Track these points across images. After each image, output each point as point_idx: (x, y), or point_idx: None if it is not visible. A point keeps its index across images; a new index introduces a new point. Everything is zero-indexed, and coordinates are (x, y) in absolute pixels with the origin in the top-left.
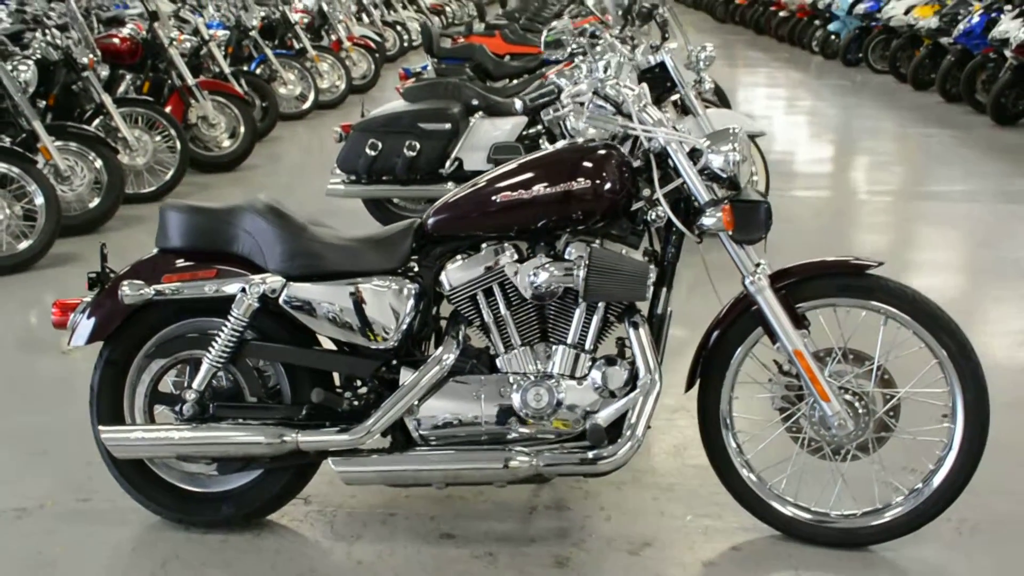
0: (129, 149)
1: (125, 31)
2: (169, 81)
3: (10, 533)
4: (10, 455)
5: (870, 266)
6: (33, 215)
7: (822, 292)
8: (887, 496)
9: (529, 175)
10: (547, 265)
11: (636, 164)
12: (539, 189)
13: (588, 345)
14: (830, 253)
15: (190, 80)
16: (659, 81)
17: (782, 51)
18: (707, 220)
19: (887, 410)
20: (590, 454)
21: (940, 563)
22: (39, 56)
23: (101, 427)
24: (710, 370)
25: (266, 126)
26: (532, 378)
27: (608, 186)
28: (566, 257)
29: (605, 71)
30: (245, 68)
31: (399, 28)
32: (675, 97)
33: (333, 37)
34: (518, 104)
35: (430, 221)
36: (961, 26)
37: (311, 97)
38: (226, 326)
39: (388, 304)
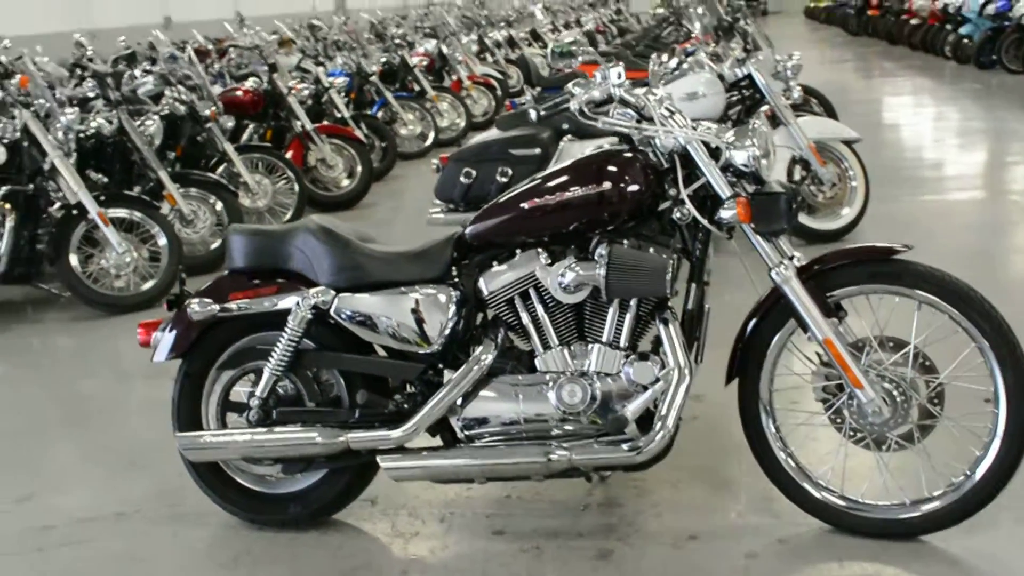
0: (250, 193)
1: (248, 84)
2: (290, 128)
3: (108, 533)
4: (117, 467)
5: (897, 251)
6: (158, 256)
7: (852, 280)
8: (934, 485)
9: (557, 182)
10: (573, 265)
11: (666, 166)
12: (566, 194)
13: (623, 343)
14: (952, 255)
15: (308, 126)
16: (748, 93)
17: (915, 59)
18: (724, 213)
19: (929, 397)
20: (625, 446)
21: (993, 552)
22: (167, 112)
23: (177, 434)
24: (748, 361)
25: (385, 166)
26: (568, 376)
27: (632, 188)
28: (594, 258)
29: (619, 77)
30: (367, 112)
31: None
32: (765, 108)
33: (454, 77)
34: (532, 114)
35: (468, 231)
36: None
37: (431, 136)
38: (283, 337)
39: (431, 311)
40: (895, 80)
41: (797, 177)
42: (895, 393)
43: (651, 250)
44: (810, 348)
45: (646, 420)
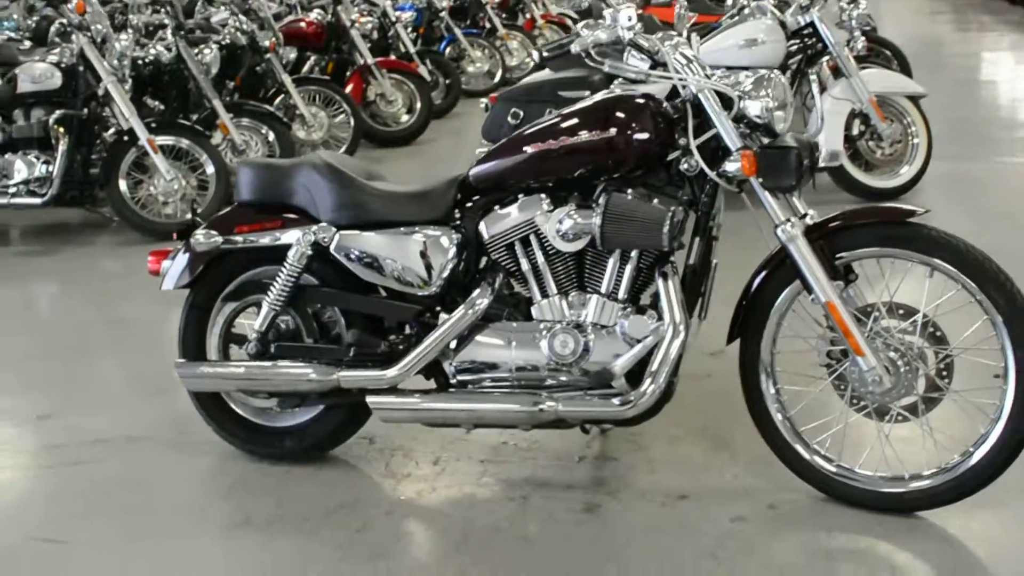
0: (306, 125)
1: (312, 15)
2: (352, 61)
3: (115, 455)
4: (147, 391)
5: (912, 213)
6: (207, 185)
7: (862, 242)
8: (934, 461)
9: (563, 125)
10: (572, 213)
11: (677, 114)
12: (571, 139)
13: (621, 295)
14: (1010, 220)
15: (369, 60)
16: (811, 42)
17: (1014, 13)
18: (729, 166)
19: (937, 369)
20: (615, 400)
21: (991, 534)
22: (227, 41)
23: (176, 361)
24: (751, 320)
25: (448, 103)
26: (562, 326)
27: (640, 136)
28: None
29: (629, 20)
30: (434, 48)
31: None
32: (827, 58)
33: (527, 16)
34: (535, 56)
35: (471, 173)
36: None
37: (499, 74)
38: (282, 272)
39: (430, 252)
40: (991, 35)
41: (856, 131)
42: (899, 362)
43: (654, 201)
44: (817, 310)
45: (642, 375)
